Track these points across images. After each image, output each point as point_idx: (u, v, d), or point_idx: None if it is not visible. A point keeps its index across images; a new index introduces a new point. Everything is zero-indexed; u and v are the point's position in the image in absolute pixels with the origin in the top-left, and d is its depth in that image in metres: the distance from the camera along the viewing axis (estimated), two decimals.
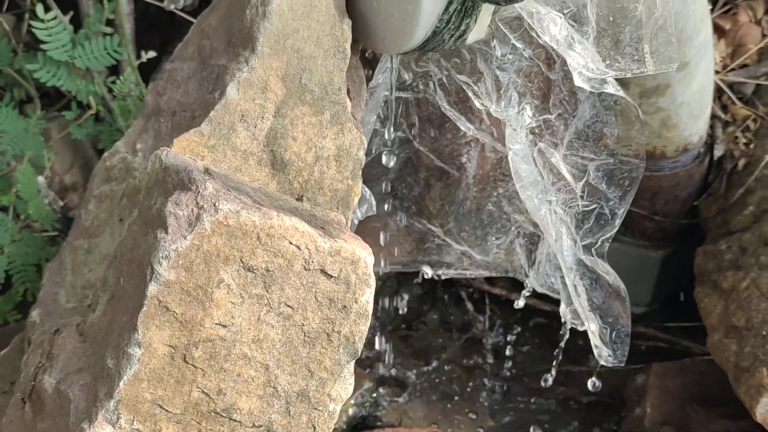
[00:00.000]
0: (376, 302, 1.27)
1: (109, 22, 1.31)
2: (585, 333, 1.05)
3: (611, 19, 0.79)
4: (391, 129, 1.06)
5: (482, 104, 0.99)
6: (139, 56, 1.33)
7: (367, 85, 0.99)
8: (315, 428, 0.76)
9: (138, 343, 0.67)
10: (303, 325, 0.73)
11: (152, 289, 0.66)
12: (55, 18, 1.17)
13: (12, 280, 1.15)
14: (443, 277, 1.23)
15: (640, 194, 1.13)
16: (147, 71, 1.46)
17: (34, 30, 1.16)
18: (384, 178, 1.16)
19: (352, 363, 0.77)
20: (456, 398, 1.35)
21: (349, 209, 0.89)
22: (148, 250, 0.68)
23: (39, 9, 1.16)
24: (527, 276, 1.13)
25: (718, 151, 1.28)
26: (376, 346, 1.35)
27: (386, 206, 1.18)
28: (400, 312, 1.43)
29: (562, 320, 1.05)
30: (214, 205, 0.67)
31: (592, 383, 1.18)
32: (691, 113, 1.18)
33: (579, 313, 0.99)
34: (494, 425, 1.31)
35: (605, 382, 1.25)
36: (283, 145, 0.83)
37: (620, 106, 0.91)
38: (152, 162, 0.75)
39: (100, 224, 0.91)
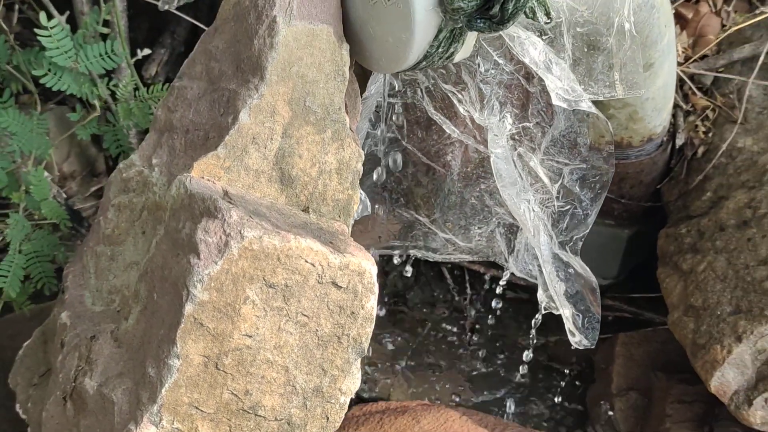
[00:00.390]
0: None
1: (105, 22, 1.37)
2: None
3: (585, 49, 0.88)
4: (383, 130, 1.14)
5: (466, 111, 1.08)
6: (134, 54, 1.39)
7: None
8: (328, 418, 0.87)
9: (177, 355, 0.76)
10: (317, 330, 0.83)
11: (188, 308, 0.75)
12: (57, 25, 1.22)
13: (30, 276, 1.23)
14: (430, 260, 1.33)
15: None
16: (138, 64, 1.52)
17: (38, 38, 1.21)
18: (374, 172, 1.25)
19: (359, 360, 0.87)
20: (439, 370, 1.46)
21: (349, 216, 0.98)
22: (182, 273, 0.77)
23: (42, 17, 1.21)
24: (507, 261, 1.24)
25: (679, 140, 1.39)
26: None
27: (377, 197, 1.27)
28: (386, 289, 1.54)
29: (539, 303, 1.16)
30: (240, 233, 0.76)
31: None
32: (655, 107, 1.28)
33: (554, 299, 1.10)
34: (474, 394, 1.43)
35: (577, 351, 1.38)
36: (290, 163, 0.92)
37: (592, 119, 1.00)
38: (176, 187, 0.84)
39: (121, 233, 0.99)
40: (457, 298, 1.56)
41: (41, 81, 1.25)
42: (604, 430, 1.37)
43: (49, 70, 1.25)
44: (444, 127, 1.14)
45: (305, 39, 0.90)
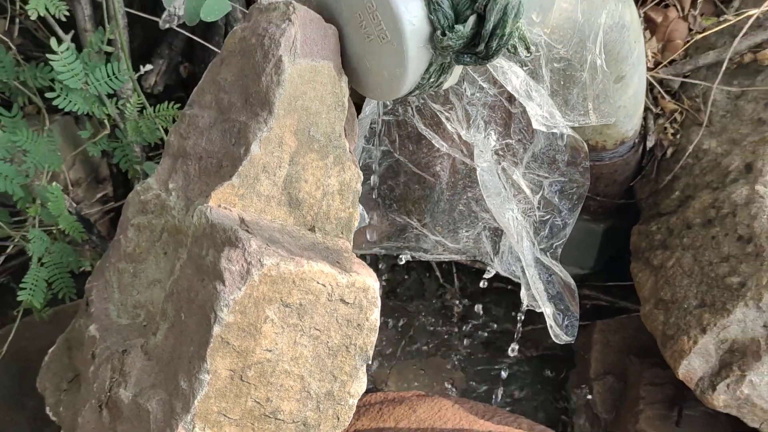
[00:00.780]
0: None
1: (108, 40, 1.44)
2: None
3: (562, 82, 0.98)
4: (378, 147, 1.24)
5: (454, 128, 1.18)
6: (136, 69, 1.47)
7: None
8: (339, 418, 0.97)
9: (207, 371, 0.86)
10: (327, 342, 0.94)
11: (216, 329, 0.85)
12: (67, 49, 1.29)
13: (52, 287, 1.32)
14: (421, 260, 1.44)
15: None
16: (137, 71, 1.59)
17: (50, 63, 1.28)
18: (369, 180, 1.35)
19: (365, 366, 0.98)
20: (432, 359, 1.57)
21: (351, 232, 1.08)
22: (209, 297, 0.86)
23: (53, 43, 1.28)
24: (492, 261, 1.34)
25: (650, 142, 1.49)
26: None
27: (371, 203, 1.37)
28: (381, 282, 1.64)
29: (522, 301, 1.26)
30: (260, 261, 0.86)
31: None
32: (627, 114, 1.38)
33: (536, 298, 1.20)
34: (465, 381, 1.55)
35: None
36: (297, 187, 1.01)
37: (569, 139, 1.10)
38: (198, 216, 0.93)
39: (142, 252, 1.08)
40: (446, 290, 1.66)
41: (54, 103, 1.33)
42: (584, 412, 1.49)
43: (61, 91, 1.32)
44: (433, 141, 1.24)
45: (308, 75, 0.99)
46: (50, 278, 1.30)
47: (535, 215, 1.17)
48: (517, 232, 1.18)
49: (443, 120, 1.18)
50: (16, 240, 1.50)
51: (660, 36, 1.61)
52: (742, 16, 1.50)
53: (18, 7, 1.61)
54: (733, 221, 1.27)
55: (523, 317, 1.35)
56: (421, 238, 1.39)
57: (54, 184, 1.30)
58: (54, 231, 1.36)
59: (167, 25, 1.42)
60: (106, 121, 1.37)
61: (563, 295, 1.18)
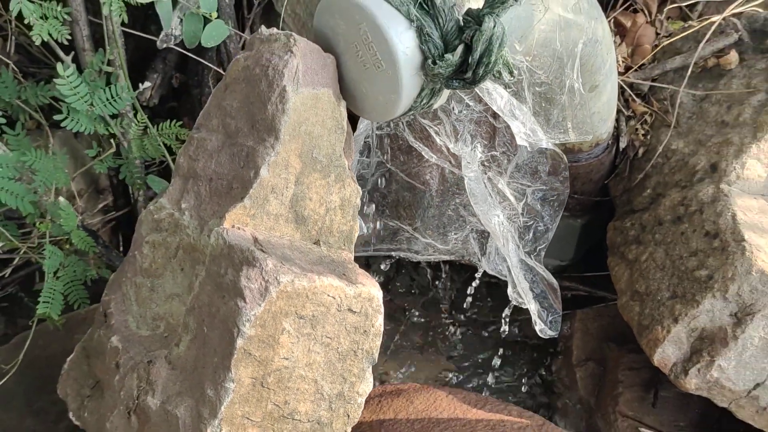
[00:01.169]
0: None
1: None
2: None
3: (543, 104, 1.07)
4: (373, 158, 1.33)
5: (442, 141, 1.27)
6: (136, 87, 1.54)
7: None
8: (349, 416, 1.07)
9: (232, 379, 0.95)
10: (338, 348, 1.03)
11: (239, 342, 0.94)
12: (73, 73, 1.36)
13: (68, 299, 1.40)
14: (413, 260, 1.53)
15: None
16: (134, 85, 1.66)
17: (58, 86, 1.35)
18: (363, 189, 1.44)
19: (371, 367, 1.07)
20: (425, 352, 1.67)
21: (352, 243, 1.17)
22: (231, 313, 0.95)
23: (59, 68, 1.35)
24: (480, 261, 1.44)
25: (622, 143, 1.59)
26: None
27: (365, 209, 1.46)
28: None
29: (509, 298, 1.36)
30: (277, 279, 0.95)
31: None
32: (601, 118, 1.48)
33: (522, 296, 1.31)
34: (458, 372, 1.65)
35: None
36: (303, 205, 1.10)
37: (550, 152, 1.20)
38: (215, 238, 1.02)
39: (158, 267, 1.17)
40: (436, 285, 1.76)
41: (62, 124, 1.40)
42: (568, 396, 1.60)
43: (68, 114, 1.39)
44: (423, 153, 1.33)
45: (310, 102, 1.07)
46: (65, 291, 1.37)
47: (520, 221, 1.27)
48: (503, 236, 1.28)
49: (432, 134, 1.27)
50: (22, 252, 1.57)
51: (629, 41, 1.71)
52: (705, 23, 1.60)
53: (14, 25, 1.67)
54: (701, 218, 1.38)
55: (509, 313, 1.45)
56: (413, 240, 1.49)
57: (61, 199, 1.37)
58: (66, 245, 1.43)
59: (165, 45, 1.49)
60: (112, 141, 1.44)
61: (547, 293, 1.29)
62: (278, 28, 1.62)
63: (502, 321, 1.53)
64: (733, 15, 1.60)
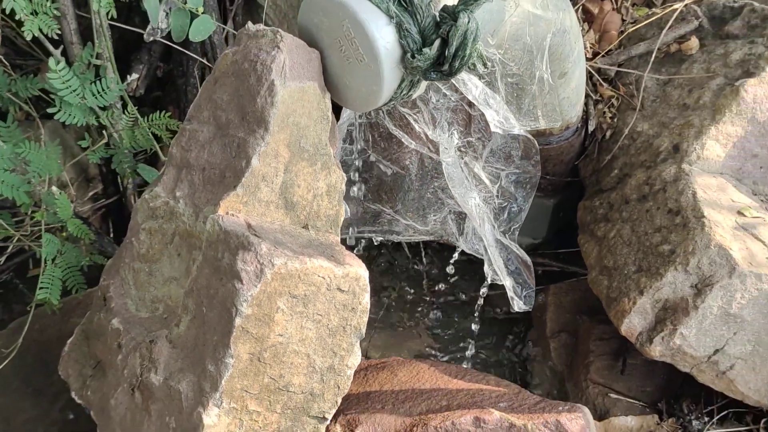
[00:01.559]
0: None
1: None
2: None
3: (515, 94, 1.15)
4: (356, 145, 1.40)
5: (421, 128, 1.35)
6: (124, 79, 1.60)
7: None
8: (339, 387, 1.15)
9: (231, 355, 1.03)
10: (328, 324, 1.11)
11: (238, 321, 1.02)
12: (65, 68, 1.42)
13: (66, 285, 1.46)
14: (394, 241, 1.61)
15: None
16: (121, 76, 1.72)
17: (50, 81, 1.41)
18: (346, 175, 1.51)
19: (359, 342, 1.15)
20: (407, 328, 1.76)
21: (338, 227, 1.25)
22: (229, 294, 1.03)
23: (51, 62, 1.40)
24: (458, 241, 1.52)
25: (591, 125, 1.68)
26: None
27: (349, 193, 1.54)
28: None
29: (485, 275, 1.45)
30: (271, 261, 1.02)
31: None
32: (570, 103, 1.56)
33: (498, 273, 1.39)
34: (438, 345, 1.74)
35: None
36: (292, 192, 1.17)
37: (522, 138, 1.28)
38: (211, 224, 1.09)
39: (155, 253, 1.23)
40: (416, 266, 1.84)
41: (55, 117, 1.45)
42: (542, 366, 1.70)
43: (61, 106, 1.45)
44: (403, 140, 1.40)
45: (297, 95, 1.14)
46: (64, 276, 1.44)
47: (495, 202, 1.35)
48: (480, 217, 1.36)
49: (411, 122, 1.35)
50: (15, 240, 1.63)
51: (597, 27, 1.79)
52: (668, 10, 1.68)
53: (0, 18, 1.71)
54: (664, 196, 1.47)
55: (486, 290, 1.54)
56: (394, 222, 1.56)
57: (54, 188, 1.43)
58: (61, 233, 1.49)
59: (151, 38, 1.55)
60: (104, 132, 1.50)
61: (521, 270, 1.37)
62: (260, 20, 1.68)
63: (479, 297, 1.61)
64: (694, 2, 1.68)
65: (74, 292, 1.49)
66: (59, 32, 1.48)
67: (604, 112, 1.68)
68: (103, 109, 1.51)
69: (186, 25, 1.42)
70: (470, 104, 1.31)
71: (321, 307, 1.09)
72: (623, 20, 1.79)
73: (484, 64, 1.15)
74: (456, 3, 1.12)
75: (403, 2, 1.10)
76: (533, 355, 1.73)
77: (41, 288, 1.41)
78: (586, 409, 1.27)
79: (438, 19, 1.11)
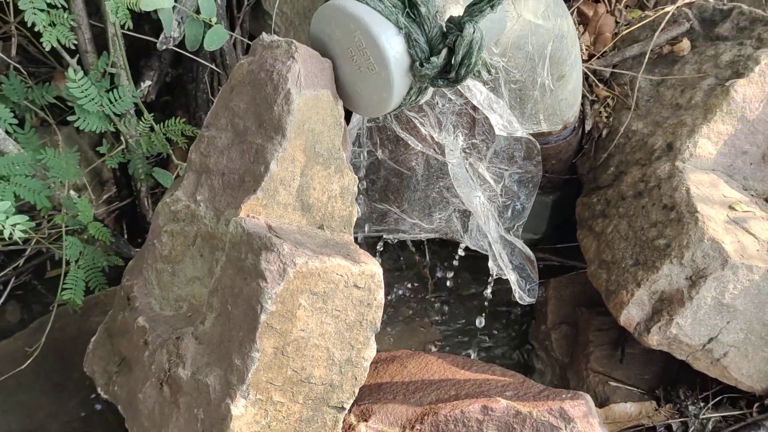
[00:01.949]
0: None
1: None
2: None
3: (518, 99, 1.22)
4: (364, 148, 1.46)
5: (427, 131, 1.41)
6: (136, 86, 1.66)
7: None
8: (356, 378, 1.22)
9: (257, 350, 1.09)
10: (345, 319, 1.17)
11: (263, 317, 1.08)
12: (83, 77, 1.48)
13: (88, 285, 1.52)
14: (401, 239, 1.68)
15: None
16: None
17: (69, 89, 1.46)
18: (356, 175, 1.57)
19: (374, 335, 1.22)
20: (414, 322, 1.83)
21: (351, 227, 1.31)
22: (253, 292, 1.09)
23: (70, 72, 1.46)
24: (462, 238, 1.59)
25: (588, 125, 1.74)
26: None
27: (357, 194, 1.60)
28: None
29: (490, 271, 1.52)
30: (293, 261, 1.09)
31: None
32: (568, 104, 1.63)
33: (502, 268, 1.46)
34: (444, 338, 1.80)
35: None
36: (308, 194, 1.24)
37: (525, 139, 1.35)
38: (234, 226, 1.15)
39: (178, 254, 1.30)
40: (420, 262, 1.91)
41: (75, 125, 1.51)
42: (544, 356, 1.77)
43: (80, 114, 1.51)
44: (409, 142, 1.47)
45: (312, 102, 1.21)
46: (86, 277, 1.50)
47: (499, 201, 1.41)
48: (484, 215, 1.43)
49: (418, 125, 1.41)
50: (34, 242, 1.69)
51: (592, 29, 1.86)
52: (660, 12, 1.75)
53: (13, 27, 1.77)
54: (659, 193, 1.53)
55: (492, 283, 1.61)
56: (400, 221, 1.63)
57: (72, 193, 1.49)
58: (81, 236, 1.55)
59: (164, 47, 1.60)
60: (122, 138, 1.56)
61: (525, 265, 1.44)
62: (266, 26, 1.74)
63: (486, 291, 1.68)
64: (685, 5, 1.75)
65: (96, 291, 1.55)
66: (76, 41, 1.54)
67: (600, 112, 1.75)
68: (118, 115, 1.57)
69: (199, 35, 1.47)
70: (474, 108, 1.37)
71: (339, 303, 1.16)
72: (617, 22, 1.86)
73: (489, 72, 1.21)
74: (461, 14, 1.18)
75: (411, 14, 1.17)
76: (536, 346, 1.80)
77: (65, 288, 1.47)
78: (588, 397, 1.34)
79: (444, 30, 1.17)
